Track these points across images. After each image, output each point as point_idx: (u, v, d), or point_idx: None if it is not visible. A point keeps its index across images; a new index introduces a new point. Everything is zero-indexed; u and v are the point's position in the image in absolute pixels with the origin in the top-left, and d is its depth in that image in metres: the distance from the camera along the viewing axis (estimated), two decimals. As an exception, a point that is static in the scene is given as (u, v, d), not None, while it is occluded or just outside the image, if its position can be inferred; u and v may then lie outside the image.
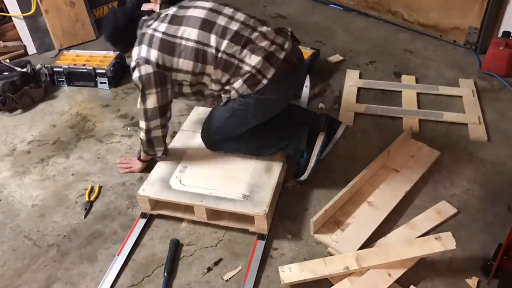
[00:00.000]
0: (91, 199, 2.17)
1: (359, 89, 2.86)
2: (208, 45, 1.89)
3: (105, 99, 2.91)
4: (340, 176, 2.23)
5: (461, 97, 2.75)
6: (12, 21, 3.38)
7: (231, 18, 1.94)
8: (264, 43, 1.91)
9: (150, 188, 2.02)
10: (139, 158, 2.24)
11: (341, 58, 3.20)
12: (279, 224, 2.01)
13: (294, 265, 1.75)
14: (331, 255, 1.84)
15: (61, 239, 1.98)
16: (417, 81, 2.92)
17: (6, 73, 2.85)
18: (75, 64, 3.02)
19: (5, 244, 1.98)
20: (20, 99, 2.78)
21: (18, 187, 2.28)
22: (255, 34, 1.93)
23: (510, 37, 2.96)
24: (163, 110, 1.98)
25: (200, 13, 1.94)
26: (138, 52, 1.92)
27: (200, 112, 2.53)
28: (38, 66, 3.01)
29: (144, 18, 2.01)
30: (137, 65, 1.91)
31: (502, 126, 2.52)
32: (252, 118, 2.02)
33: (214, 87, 1.98)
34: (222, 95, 1.99)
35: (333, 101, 2.76)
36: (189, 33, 1.90)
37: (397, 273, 1.72)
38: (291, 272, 1.73)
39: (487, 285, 1.72)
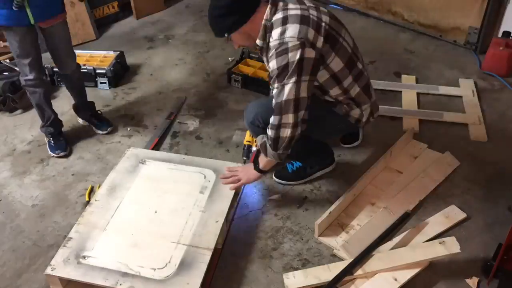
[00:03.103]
0: (91, 199, 2.16)
1: (359, 89, 2.85)
2: (358, 58, 1.88)
3: (105, 99, 2.91)
4: (340, 176, 2.23)
5: (461, 97, 2.75)
6: (12, 21, 3.37)
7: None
8: None
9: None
10: (257, 168, 1.92)
11: (341, 58, 3.20)
12: (279, 224, 2.01)
13: (298, 272, 1.76)
14: (337, 257, 1.85)
15: (61, 239, 1.97)
16: (417, 81, 2.92)
17: (6, 73, 2.86)
18: (75, 64, 3.02)
19: (5, 244, 1.98)
20: (20, 99, 2.78)
21: (18, 187, 2.28)
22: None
23: (510, 37, 2.96)
24: (307, 103, 1.73)
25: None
26: (303, 32, 1.65)
27: (134, 153, 2.19)
28: (38, 66, 3.00)
29: None
30: (303, 45, 1.63)
31: (502, 126, 2.52)
32: (324, 130, 2.01)
33: (340, 97, 1.88)
34: (345, 106, 1.92)
35: (333, 101, 2.76)
36: (348, 38, 1.84)
37: (404, 277, 1.71)
38: (295, 279, 1.73)
39: (487, 285, 1.72)
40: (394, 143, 2.31)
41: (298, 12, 1.70)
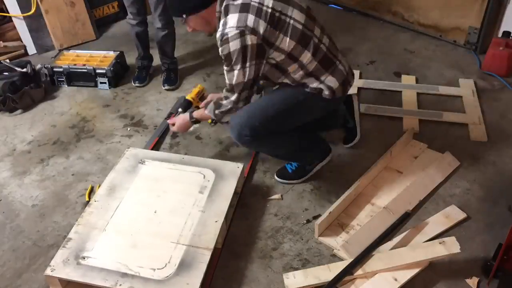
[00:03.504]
0: (91, 199, 2.16)
1: (359, 89, 2.85)
2: (313, 32, 1.88)
3: (105, 99, 2.91)
4: (340, 176, 2.23)
5: (461, 97, 2.75)
6: (12, 21, 3.38)
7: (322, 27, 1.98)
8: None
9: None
10: (192, 118, 2.14)
11: (341, 58, 3.20)
12: (279, 224, 2.01)
13: (298, 272, 1.76)
14: (337, 257, 1.85)
15: (61, 239, 1.97)
16: (417, 81, 2.92)
17: (6, 73, 2.85)
18: (75, 64, 3.02)
19: (5, 244, 1.98)
20: (20, 99, 2.78)
21: (18, 187, 2.28)
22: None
23: (510, 37, 2.96)
24: (254, 83, 1.89)
25: (301, 3, 1.92)
26: (243, 20, 1.75)
27: (133, 153, 2.20)
28: (38, 66, 3.01)
29: None
30: (242, 34, 1.74)
31: (502, 126, 2.52)
32: (310, 114, 2.04)
33: (298, 76, 1.91)
34: (303, 82, 1.93)
35: (333, 101, 2.76)
36: (297, 15, 1.84)
37: (404, 277, 1.71)
38: (295, 279, 1.73)
39: (487, 285, 1.72)
40: (394, 143, 2.31)
41: (240, 1, 1.80)
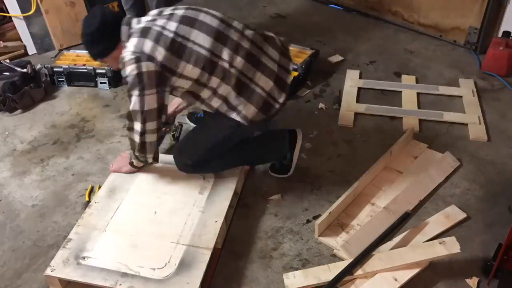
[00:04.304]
0: (91, 199, 2.16)
1: (359, 89, 2.85)
2: (220, 57, 1.80)
3: (105, 99, 2.91)
4: (340, 176, 2.23)
5: (461, 97, 2.75)
6: (12, 21, 3.38)
7: (242, 33, 1.87)
8: (272, 65, 1.90)
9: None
10: (131, 164, 2.05)
11: (341, 58, 3.20)
12: (279, 224, 2.01)
13: (298, 272, 1.75)
14: (337, 257, 1.85)
15: (61, 239, 1.97)
16: (417, 81, 2.92)
17: (6, 73, 2.85)
18: (75, 64, 3.02)
19: (5, 244, 1.98)
20: (20, 99, 2.78)
21: (18, 187, 2.28)
22: (264, 55, 1.90)
23: (510, 37, 2.96)
24: (161, 112, 1.83)
25: (213, 22, 1.83)
26: (139, 46, 1.74)
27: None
28: (38, 66, 3.01)
29: (129, 16, 1.92)
30: (137, 60, 1.72)
31: (502, 126, 2.52)
32: (241, 137, 1.99)
33: (214, 102, 1.86)
34: (222, 112, 1.88)
35: (333, 101, 2.76)
36: (202, 39, 1.78)
37: (404, 277, 1.71)
38: (295, 279, 1.73)
39: (487, 285, 1.72)
40: (394, 143, 2.31)
41: (142, 25, 1.81)
